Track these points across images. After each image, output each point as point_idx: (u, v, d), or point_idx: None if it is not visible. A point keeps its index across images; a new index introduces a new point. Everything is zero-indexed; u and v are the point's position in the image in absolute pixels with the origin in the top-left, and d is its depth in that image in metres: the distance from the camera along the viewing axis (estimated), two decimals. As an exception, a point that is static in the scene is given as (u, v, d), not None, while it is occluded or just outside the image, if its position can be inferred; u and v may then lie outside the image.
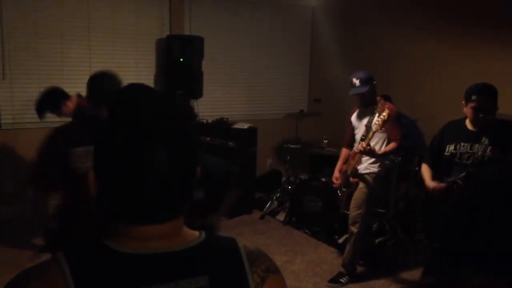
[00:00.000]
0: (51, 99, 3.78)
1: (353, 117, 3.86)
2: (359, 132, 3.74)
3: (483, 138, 2.83)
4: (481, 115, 2.81)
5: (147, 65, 5.48)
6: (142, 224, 0.83)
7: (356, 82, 3.64)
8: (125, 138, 0.79)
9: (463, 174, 2.82)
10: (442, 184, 2.95)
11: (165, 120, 0.82)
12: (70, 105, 3.72)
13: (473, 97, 2.80)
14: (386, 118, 3.37)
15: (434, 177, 3.10)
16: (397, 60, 5.39)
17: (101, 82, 2.33)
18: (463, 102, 2.90)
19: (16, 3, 4.68)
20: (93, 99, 2.32)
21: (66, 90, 5.00)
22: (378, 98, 3.74)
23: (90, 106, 2.33)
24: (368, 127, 3.62)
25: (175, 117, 0.84)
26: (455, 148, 2.93)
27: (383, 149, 3.66)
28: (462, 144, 2.90)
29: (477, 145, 2.85)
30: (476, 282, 0.72)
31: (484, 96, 2.79)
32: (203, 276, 0.83)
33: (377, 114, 3.55)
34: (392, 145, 3.63)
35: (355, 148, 3.76)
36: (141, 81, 0.91)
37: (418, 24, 5.20)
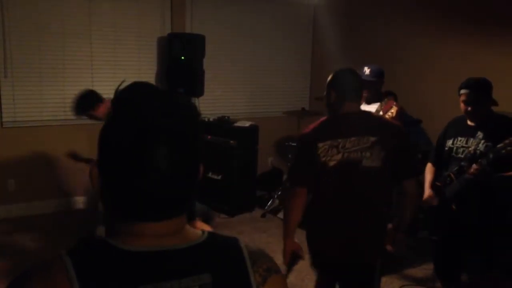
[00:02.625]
0: (85, 101, 3.76)
1: None
2: (362, 130, 3.74)
3: (478, 133, 2.87)
4: (469, 109, 2.85)
5: (148, 64, 5.48)
6: (144, 222, 0.84)
7: (367, 71, 3.63)
8: (129, 136, 0.80)
9: (456, 168, 2.87)
10: (431, 198, 3.05)
11: (169, 118, 0.82)
12: (103, 109, 3.75)
13: (462, 91, 2.89)
14: (394, 114, 3.37)
15: (436, 174, 3.14)
16: (400, 58, 5.38)
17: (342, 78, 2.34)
18: (458, 97, 2.95)
19: (17, 1, 4.69)
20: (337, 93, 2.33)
21: (68, 88, 5.03)
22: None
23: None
24: None
25: (179, 115, 0.84)
26: (452, 143, 3.00)
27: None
28: (459, 138, 2.97)
29: (472, 140, 2.89)
30: (508, 285, 0.73)
31: (472, 89, 2.85)
32: (206, 274, 0.84)
33: (381, 112, 3.56)
34: None
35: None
36: (142, 80, 0.91)
37: (422, 22, 5.19)
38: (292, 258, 2.39)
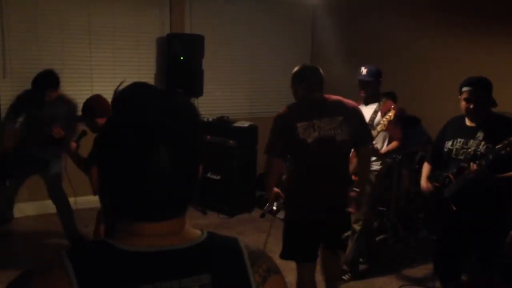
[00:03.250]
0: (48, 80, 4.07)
1: None
2: (361, 130, 3.75)
3: (478, 134, 2.86)
4: (471, 106, 2.84)
5: (148, 64, 5.48)
6: (145, 222, 0.83)
7: (364, 70, 3.64)
8: (129, 136, 0.80)
9: (455, 169, 2.87)
10: (430, 187, 3.06)
11: (169, 118, 0.82)
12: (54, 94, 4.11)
13: (464, 89, 2.87)
14: (392, 118, 3.38)
15: (432, 175, 3.15)
16: (399, 58, 5.38)
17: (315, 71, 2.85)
18: (459, 96, 2.94)
19: (17, 2, 4.68)
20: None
21: (68, 88, 5.02)
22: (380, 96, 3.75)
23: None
24: (370, 125, 3.63)
25: (179, 115, 0.84)
26: (452, 144, 2.98)
27: (385, 148, 3.68)
28: (459, 140, 2.95)
29: (471, 141, 2.88)
30: (506, 286, 0.74)
31: (474, 86, 2.83)
32: (206, 275, 0.84)
33: (379, 114, 3.56)
34: (394, 144, 3.65)
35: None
36: (142, 80, 0.91)
37: (421, 21, 5.19)
38: (275, 198, 3.01)
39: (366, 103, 3.74)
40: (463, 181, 2.82)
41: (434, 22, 5.04)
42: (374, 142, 3.54)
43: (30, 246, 4.23)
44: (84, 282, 0.76)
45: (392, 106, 3.49)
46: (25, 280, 0.79)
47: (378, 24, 5.64)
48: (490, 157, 2.67)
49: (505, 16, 4.43)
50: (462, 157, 2.91)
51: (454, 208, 2.89)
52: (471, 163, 2.76)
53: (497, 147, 2.65)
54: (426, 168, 3.22)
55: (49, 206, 4.98)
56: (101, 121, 3.50)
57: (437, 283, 3.35)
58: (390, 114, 3.39)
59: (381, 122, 3.44)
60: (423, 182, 3.14)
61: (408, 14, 5.32)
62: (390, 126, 3.51)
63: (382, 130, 3.47)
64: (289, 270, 3.86)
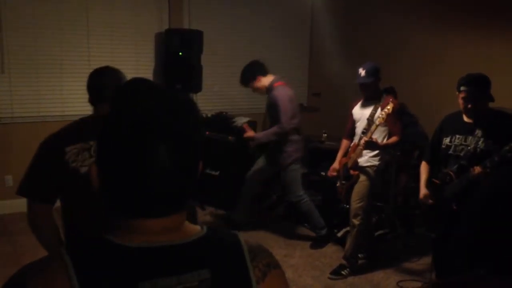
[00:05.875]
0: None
1: (355, 110, 3.87)
2: (360, 125, 3.76)
3: (477, 130, 2.86)
4: (469, 105, 2.84)
5: (146, 59, 5.46)
6: (144, 218, 0.84)
7: (362, 72, 3.65)
8: (128, 133, 0.80)
9: (456, 166, 2.86)
10: (428, 197, 3.06)
11: (169, 114, 0.82)
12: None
13: (462, 88, 2.86)
14: (390, 111, 3.38)
15: (432, 172, 3.15)
16: (398, 54, 5.38)
17: (101, 76, 2.14)
18: (457, 93, 2.94)
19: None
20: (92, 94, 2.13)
21: (65, 84, 5.02)
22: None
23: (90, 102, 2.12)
24: (370, 120, 3.63)
25: (179, 111, 0.84)
26: (450, 141, 2.98)
27: (384, 141, 3.68)
28: (457, 136, 2.95)
29: (470, 137, 2.88)
30: (495, 282, 0.76)
31: (473, 86, 2.83)
32: (205, 270, 0.84)
33: (379, 108, 3.57)
34: (393, 138, 3.65)
35: (355, 141, 3.77)
36: (140, 75, 0.91)
37: (420, 16, 5.18)
38: None
39: (367, 100, 3.75)
40: (465, 182, 2.80)
41: (434, 17, 5.04)
42: (373, 136, 3.56)
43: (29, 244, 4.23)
44: (83, 278, 0.76)
45: (391, 100, 3.50)
46: (24, 276, 0.79)
47: (377, 19, 5.63)
48: (496, 158, 2.62)
49: (504, 11, 4.43)
50: (461, 154, 2.90)
51: (455, 207, 2.87)
52: (475, 167, 2.71)
53: (505, 148, 2.60)
54: (424, 169, 3.21)
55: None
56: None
57: (434, 275, 3.35)
58: (388, 107, 3.40)
59: (380, 115, 3.45)
60: (422, 189, 3.14)
61: (408, 10, 5.32)
62: (390, 121, 3.52)
63: (380, 124, 3.47)
64: (288, 266, 3.88)
